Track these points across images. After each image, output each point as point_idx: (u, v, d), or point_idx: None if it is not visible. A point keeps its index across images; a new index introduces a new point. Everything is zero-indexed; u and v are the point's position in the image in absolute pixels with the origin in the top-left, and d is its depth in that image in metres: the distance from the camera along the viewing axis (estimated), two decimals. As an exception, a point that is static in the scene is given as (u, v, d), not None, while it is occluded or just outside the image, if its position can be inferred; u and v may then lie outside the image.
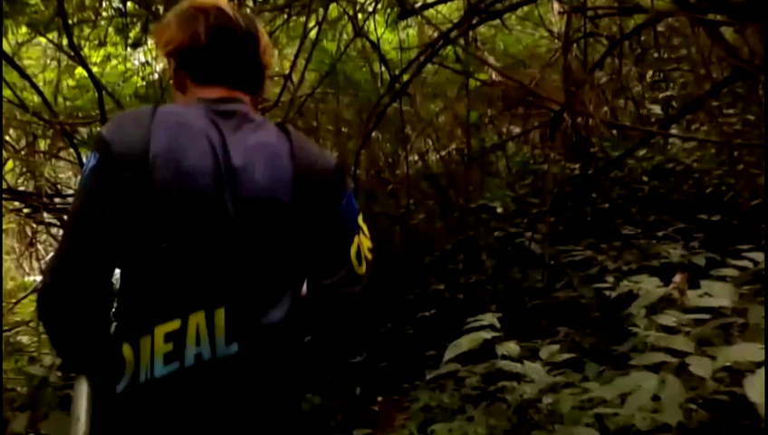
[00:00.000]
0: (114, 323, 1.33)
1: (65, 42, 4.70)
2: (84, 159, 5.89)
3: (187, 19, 1.41)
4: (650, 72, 5.18)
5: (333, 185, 1.40)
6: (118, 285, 1.34)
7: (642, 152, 4.67)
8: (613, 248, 3.29)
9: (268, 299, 1.32)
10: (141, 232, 1.25)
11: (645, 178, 4.73)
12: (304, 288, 1.43)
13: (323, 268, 1.39)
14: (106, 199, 1.24)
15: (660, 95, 5.32)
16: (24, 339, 5.67)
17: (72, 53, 4.34)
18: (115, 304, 1.34)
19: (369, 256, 1.43)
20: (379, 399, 4.63)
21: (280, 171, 1.34)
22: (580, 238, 4.34)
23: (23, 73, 4.33)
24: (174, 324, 1.24)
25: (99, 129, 1.35)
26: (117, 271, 1.32)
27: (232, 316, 1.27)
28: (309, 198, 1.35)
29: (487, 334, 1.95)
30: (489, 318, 2.02)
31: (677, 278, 1.99)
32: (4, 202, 5.80)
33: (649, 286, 2.09)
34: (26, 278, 7.54)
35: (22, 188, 6.44)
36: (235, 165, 1.30)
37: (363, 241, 1.42)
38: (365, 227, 1.45)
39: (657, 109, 5.25)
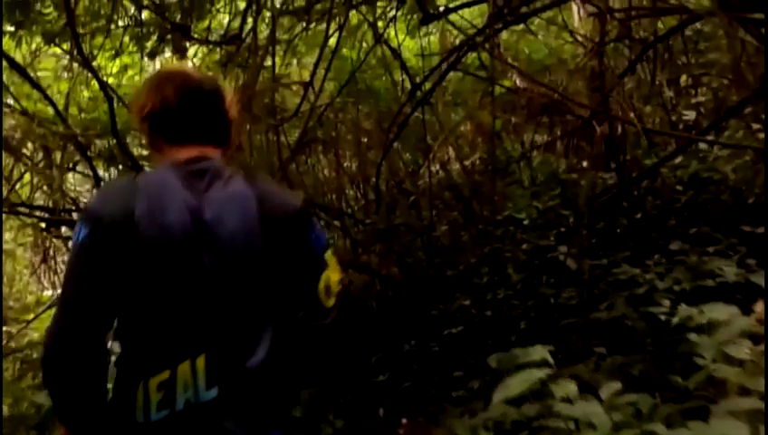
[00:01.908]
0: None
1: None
2: (99, 174, 5.69)
3: (157, 85, 1.53)
4: (684, 77, 4.85)
5: (299, 224, 1.47)
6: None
7: (677, 160, 4.34)
8: (659, 264, 2.98)
9: (247, 341, 1.41)
10: (132, 288, 1.36)
11: (679, 188, 4.41)
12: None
13: (293, 304, 1.47)
14: (101, 264, 1.34)
15: (692, 101, 5.00)
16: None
17: (83, 63, 4.10)
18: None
19: (338, 288, 1.50)
20: (404, 421, 4.32)
21: (249, 219, 1.42)
22: (615, 252, 4.03)
23: (34, 84, 4.12)
24: (164, 375, 1.35)
25: (87, 204, 1.52)
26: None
27: (211, 362, 1.37)
28: (277, 240, 1.43)
29: (541, 372, 1.65)
30: (540, 352, 1.73)
31: (759, 308, 1.68)
32: (21, 216, 5.60)
33: (721, 315, 1.78)
34: (44, 293, 7.34)
35: (40, 202, 6.25)
36: (207, 219, 1.39)
37: (331, 275, 1.49)
38: (334, 261, 1.52)
39: (687, 115, 4.91)
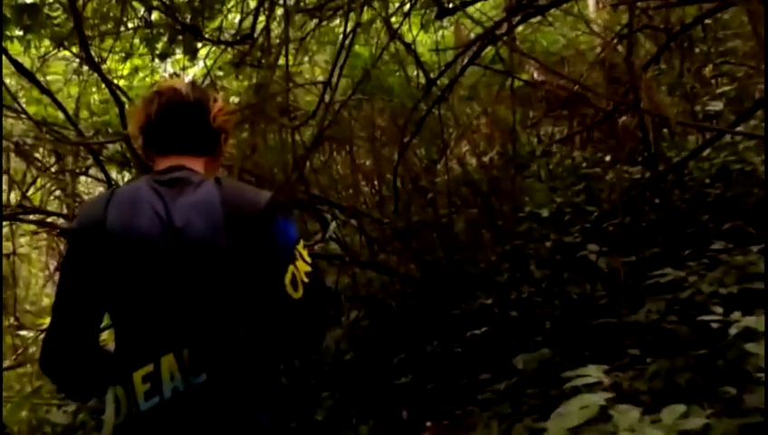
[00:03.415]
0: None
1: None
2: (112, 177, 5.56)
3: (147, 102, 1.68)
4: (710, 67, 4.65)
5: (264, 221, 1.53)
6: None
7: (706, 153, 4.16)
8: (701, 264, 2.79)
9: (224, 331, 1.50)
10: (111, 290, 1.51)
11: (707, 181, 4.22)
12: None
13: (262, 295, 1.53)
14: (79, 273, 1.52)
15: (717, 91, 4.79)
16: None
17: (91, 65, 3.95)
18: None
19: (306, 279, 1.54)
20: (428, 424, 4.17)
21: (214, 219, 1.51)
22: (644, 249, 3.86)
23: (43, 89, 3.96)
24: (148, 368, 1.47)
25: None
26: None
27: (195, 353, 1.47)
28: (243, 236, 1.51)
29: (600, 398, 1.49)
30: (594, 372, 1.56)
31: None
32: (33, 222, 5.47)
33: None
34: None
35: (53, 206, 6.13)
36: (177, 225, 1.50)
37: (300, 267, 1.54)
38: (305, 253, 1.58)
39: (713, 106, 4.70)
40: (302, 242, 1.59)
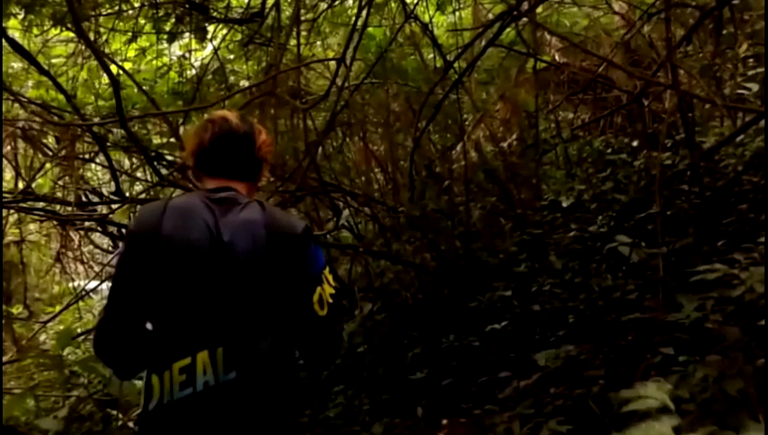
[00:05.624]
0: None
1: (91, 37, 4.09)
2: (123, 163, 5.35)
3: (200, 129, 1.85)
4: (744, 47, 4.34)
5: (299, 245, 1.73)
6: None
7: (739, 138, 3.85)
8: (749, 258, 2.51)
9: (255, 336, 1.66)
10: (159, 289, 1.65)
11: (740, 168, 3.92)
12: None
13: (291, 311, 1.71)
14: (133, 270, 1.67)
15: (748, 73, 4.47)
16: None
17: (87, 44, 3.69)
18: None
19: (331, 300, 1.75)
20: (444, 422, 3.92)
21: (257, 238, 1.68)
22: (674, 239, 3.57)
23: (42, 70, 3.72)
24: (186, 361, 1.62)
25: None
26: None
27: (228, 352, 1.62)
28: (280, 256, 1.69)
29: (668, 427, 1.23)
30: (655, 393, 1.30)
31: None
32: (37, 210, 5.26)
33: None
34: (70, 284, 7.04)
35: (61, 194, 5.92)
36: (225, 240, 1.67)
37: (326, 289, 1.75)
38: (330, 277, 1.78)
39: (748, 88, 4.37)
40: (328, 267, 1.78)
